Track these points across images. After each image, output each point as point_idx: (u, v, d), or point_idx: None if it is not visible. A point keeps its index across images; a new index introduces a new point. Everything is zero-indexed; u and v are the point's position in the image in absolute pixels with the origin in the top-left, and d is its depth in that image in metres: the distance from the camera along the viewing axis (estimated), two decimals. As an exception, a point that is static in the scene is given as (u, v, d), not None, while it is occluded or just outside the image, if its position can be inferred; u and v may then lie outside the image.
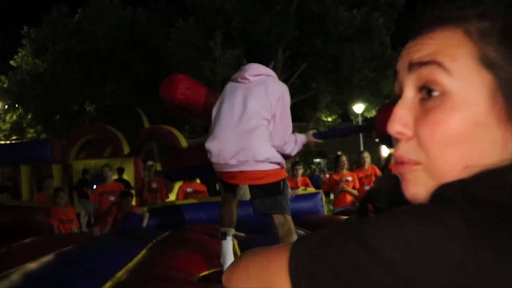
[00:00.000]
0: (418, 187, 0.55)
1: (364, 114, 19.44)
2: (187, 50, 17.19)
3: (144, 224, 5.78)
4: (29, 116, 22.78)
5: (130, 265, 3.45)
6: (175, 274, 3.14)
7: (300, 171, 7.55)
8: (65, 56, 20.43)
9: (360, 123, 19.18)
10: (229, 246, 3.12)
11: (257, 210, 2.99)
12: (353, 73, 17.67)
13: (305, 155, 17.94)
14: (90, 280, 2.89)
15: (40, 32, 22.22)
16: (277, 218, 2.97)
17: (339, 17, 17.29)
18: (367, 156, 7.55)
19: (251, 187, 3.00)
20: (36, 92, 21.38)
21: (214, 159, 2.99)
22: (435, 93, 0.53)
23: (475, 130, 0.51)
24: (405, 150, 0.55)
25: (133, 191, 7.58)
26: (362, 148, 19.33)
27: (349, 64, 17.54)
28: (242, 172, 2.92)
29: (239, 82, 3.06)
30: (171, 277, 3.05)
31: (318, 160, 23.55)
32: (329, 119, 19.87)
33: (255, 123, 2.92)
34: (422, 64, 0.54)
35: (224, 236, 3.13)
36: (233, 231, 3.23)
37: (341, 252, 0.47)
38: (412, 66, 0.56)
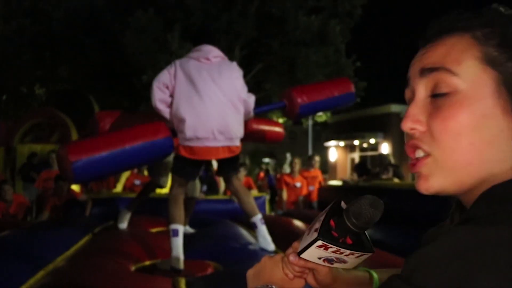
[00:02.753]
0: (431, 180, 0.61)
1: (315, 118, 19.82)
2: (145, 40, 17.02)
3: (87, 212, 5.76)
4: (-27, 94, 21.88)
5: (68, 253, 3.52)
6: (111, 264, 3.19)
7: (244, 173, 7.76)
8: (17, 35, 19.74)
9: (310, 126, 19.58)
10: (180, 243, 3.18)
11: (223, 173, 3.59)
12: (307, 77, 17.99)
13: (255, 155, 18.16)
14: (21, 267, 2.89)
15: (-8, 9, 21.36)
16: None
17: (297, 21, 17.59)
18: (317, 161, 7.86)
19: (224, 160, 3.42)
20: (-17, 71, 20.57)
21: (193, 133, 3.21)
22: (445, 92, 0.60)
23: (483, 121, 0.57)
24: (420, 139, 0.62)
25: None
26: (310, 150, 19.76)
27: (304, 67, 17.87)
28: (226, 146, 3.33)
29: (201, 62, 3.36)
30: (107, 267, 3.12)
31: (267, 160, 23.88)
32: (281, 120, 20.15)
33: (237, 103, 3.39)
34: (432, 70, 0.62)
35: (175, 233, 3.19)
36: (184, 228, 3.39)
37: None
38: (424, 71, 0.63)
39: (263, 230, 3.43)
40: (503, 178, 0.56)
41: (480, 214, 0.53)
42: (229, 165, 3.51)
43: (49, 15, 19.67)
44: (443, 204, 0.69)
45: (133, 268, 3.35)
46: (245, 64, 18.61)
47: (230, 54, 18.00)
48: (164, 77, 3.31)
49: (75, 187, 6.87)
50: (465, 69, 0.59)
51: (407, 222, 3.87)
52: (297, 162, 7.52)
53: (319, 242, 0.69)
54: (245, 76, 17.56)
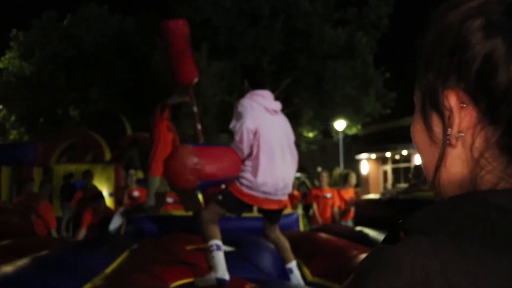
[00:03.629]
0: None
1: (346, 131, 19.66)
2: (173, 60, 17.33)
3: (122, 231, 5.84)
4: (12, 118, 22.64)
5: (107, 271, 3.57)
6: (149, 282, 3.24)
7: None
8: (52, 60, 20.42)
9: (341, 139, 19.42)
10: (223, 257, 3.31)
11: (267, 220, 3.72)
12: (336, 90, 17.94)
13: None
14: (66, 284, 2.98)
15: (28, 36, 22.19)
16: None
17: (323, 35, 17.62)
18: (354, 177, 7.70)
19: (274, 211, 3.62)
20: (21, 95, 21.30)
21: (261, 186, 3.38)
22: None
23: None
24: None
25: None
26: (341, 164, 19.57)
27: (331, 81, 17.82)
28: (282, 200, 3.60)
29: (272, 114, 3.52)
30: (145, 285, 3.16)
31: (298, 174, 23.77)
32: (311, 134, 20.08)
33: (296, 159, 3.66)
34: None
35: (218, 247, 3.32)
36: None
37: None
38: None
39: (297, 276, 3.66)
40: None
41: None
42: (275, 214, 3.71)
43: (81, 40, 20.29)
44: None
45: (172, 285, 3.37)
46: (273, 80, 18.71)
47: (258, 70, 18.16)
48: (250, 122, 3.38)
49: (110, 204, 6.98)
50: None
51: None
52: (325, 175, 7.45)
53: None
54: (273, 91, 17.68)
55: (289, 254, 3.67)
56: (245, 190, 3.41)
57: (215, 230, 3.41)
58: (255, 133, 3.36)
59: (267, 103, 3.50)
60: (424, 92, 0.56)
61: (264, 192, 3.41)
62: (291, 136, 3.65)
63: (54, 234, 6.79)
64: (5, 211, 6.54)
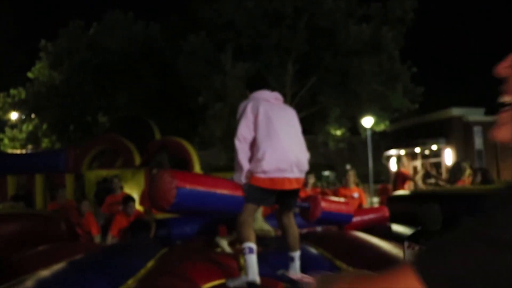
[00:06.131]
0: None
1: (373, 127, 19.41)
2: (197, 63, 17.45)
3: (152, 234, 5.90)
4: (44, 126, 23.23)
5: (138, 275, 3.60)
6: (181, 284, 3.28)
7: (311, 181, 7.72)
8: (80, 68, 20.87)
9: (369, 136, 19.19)
10: (255, 260, 3.34)
11: (283, 204, 3.71)
12: (362, 86, 17.74)
13: (314, 167, 18.02)
14: (99, 287, 3.03)
15: (56, 45, 22.74)
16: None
17: (348, 31, 17.44)
18: (352, 175, 7.61)
19: (292, 194, 3.66)
20: (52, 103, 21.85)
21: (275, 165, 3.43)
22: None
23: None
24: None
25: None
26: (370, 161, 19.33)
27: (357, 77, 17.64)
28: (300, 178, 3.62)
29: (272, 103, 3.68)
30: (177, 287, 3.19)
31: (327, 173, 23.61)
32: (338, 132, 19.90)
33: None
34: None
35: (251, 250, 3.35)
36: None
37: (469, 251, 0.53)
38: None
39: (297, 266, 3.67)
40: None
41: None
42: (292, 197, 3.73)
43: (107, 47, 20.66)
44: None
45: (203, 287, 3.39)
46: (298, 79, 18.63)
47: (282, 70, 18.10)
48: (249, 112, 3.56)
49: (139, 208, 7.05)
50: None
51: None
52: (351, 174, 7.38)
53: None
54: (299, 90, 17.67)
55: (296, 242, 3.69)
56: (261, 176, 3.45)
57: (250, 232, 3.43)
58: (256, 118, 3.51)
59: (266, 95, 3.70)
60: None
61: (280, 170, 3.45)
62: (297, 125, 3.74)
63: (97, 240, 6.91)
64: (43, 218, 6.70)
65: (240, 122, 3.56)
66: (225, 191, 3.54)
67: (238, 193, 3.54)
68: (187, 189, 3.36)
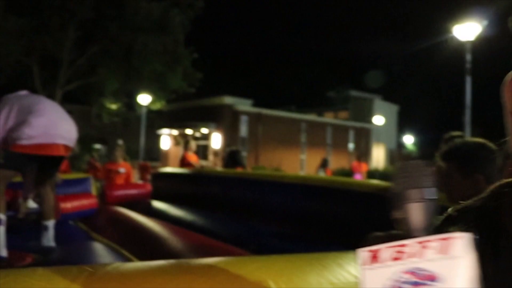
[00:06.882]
0: None
1: (150, 106, 19.75)
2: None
3: None
4: None
5: None
6: None
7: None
8: None
9: (144, 113, 19.47)
10: (3, 232, 3.17)
11: (45, 172, 3.67)
12: (144, 64, 17.90)
13: (86, 139, 17.41)
14: None
15: None
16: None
17: (138, 7, 17.36)
18: (120, 146, 7.86)
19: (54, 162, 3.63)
20: None
21: (43, 129, 3.35)
22: None
23: None
24: None
25: None
26: (143, 138, 19.74)
27: (141, 54, 17.74)
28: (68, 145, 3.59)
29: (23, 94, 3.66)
30: None
31: (98, 146, 23.05)
32: (114, 106, 19.63)
33: None
34: None
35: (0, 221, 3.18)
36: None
37: None
38: None
39: (50, 235, 3.60)
40: None
41: None
42: (55, 165, 3.70)
43: None
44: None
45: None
46: (79, 45, 17.68)
47: (63, 34, 16.93)
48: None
49: None
50: None
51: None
52: (119, 149, 7.50)
53: None
54: (78, 58, 16.86)
55: (52, 211, 3.64)
56: (25, 142, 3.32)
57: (1, 202, 3.26)
58: (11, 107, 3.38)
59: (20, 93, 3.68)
60: None
61: (49, 135, 3.39)
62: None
63: None
64: None
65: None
66: None
67: None
68: None
